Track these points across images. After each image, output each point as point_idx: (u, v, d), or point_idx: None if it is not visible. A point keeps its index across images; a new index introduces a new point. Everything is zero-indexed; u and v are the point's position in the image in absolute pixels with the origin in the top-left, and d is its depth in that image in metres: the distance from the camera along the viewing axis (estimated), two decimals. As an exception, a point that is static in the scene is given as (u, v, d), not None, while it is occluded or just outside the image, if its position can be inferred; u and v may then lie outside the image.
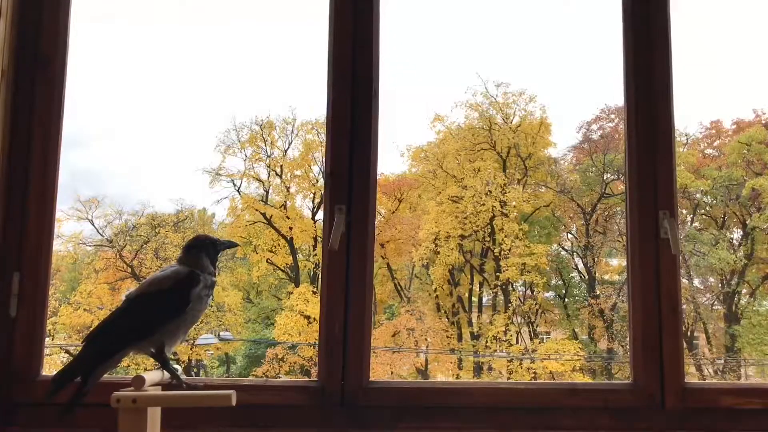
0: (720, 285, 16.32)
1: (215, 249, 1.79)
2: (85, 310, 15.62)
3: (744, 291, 16.15)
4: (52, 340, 15.50)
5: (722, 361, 15.54)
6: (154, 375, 1.58)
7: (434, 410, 1.98)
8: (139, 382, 1.52)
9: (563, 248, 18.10)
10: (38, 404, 1.94)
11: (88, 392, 1.59)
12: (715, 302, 16.38)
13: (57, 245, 16.44)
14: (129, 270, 16.41)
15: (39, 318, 2.04)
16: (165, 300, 1.64)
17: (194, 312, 1.67)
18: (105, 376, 1.68)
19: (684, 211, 16.54)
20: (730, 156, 16.36)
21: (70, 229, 17.04)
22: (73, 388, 1.59)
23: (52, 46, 2.13)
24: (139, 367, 13.71)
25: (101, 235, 16.89)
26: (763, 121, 16.75)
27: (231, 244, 1.88)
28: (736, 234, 16.67)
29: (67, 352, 14.61)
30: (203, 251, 1.76)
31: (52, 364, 13.27)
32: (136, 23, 19.05)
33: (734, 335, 15.37)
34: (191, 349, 15.05)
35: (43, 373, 2.03)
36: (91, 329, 1.63)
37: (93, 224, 16.71)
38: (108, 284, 16.40)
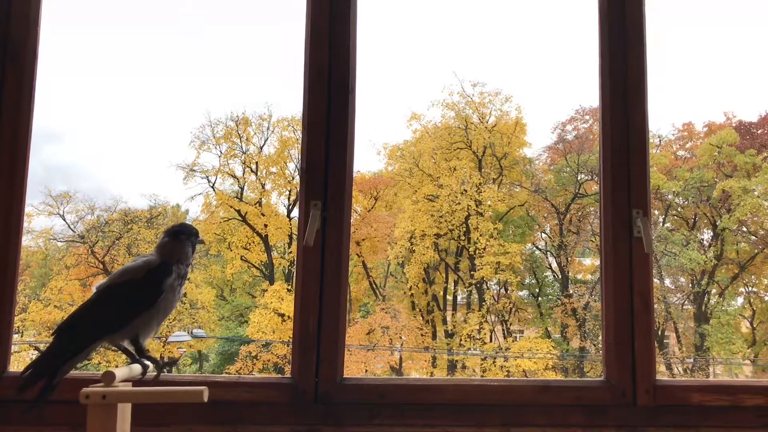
0: (690, 285, 16.58)
1: (194, 239, 1.76)
2: (55, 306, 15.41)
3: (713, 291, 16.42)
4: (21, 336, 15.27)
5: (692, 360, 15.78)
6: (124, 371, 1.55)
7: (408, 407, 1.98)
8: (108, 377, 1.49)
9: (537, 247, 18.25)
10: (4, 401, 1.90)
11: (56, 387, 1.55)
12: (686, 302, 16.63)
13: (27, 241, 16.19)
14: (101, 266, 16.21)
15: (6, 314, 1.99)
16: (137, 291, 1.61)
17: (167, 303, 1.64)
18: (73, 371, 1.65)
19: (656, 212, 16.78)
20: (702, 158, 16.62)
21: (41, 224, 16.79)
22: (40, 383, 1.55)
23: (22, 35, 2.09)
24: (110, 364, 13.56)
25: (73, 230, 16.68)
26: (734, 124, 17.04)
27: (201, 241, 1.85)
28: (707, 235, 16.94)
29: (36, 348, 14.39)
30: (186, 239, 1.73)
31: (20, 361, 13.07)
32: (111, 17, 18.82)
33: (703, 334, 15.62)
34: (164, 346, 14.91)
35: (10, 370, 1.99)
36: (61, 321, 1.59)
37: (64, 219, 16.50)
38: (79, 280, 16.18)
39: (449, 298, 17.56)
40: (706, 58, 19.61)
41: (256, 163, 17.79)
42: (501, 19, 19.62)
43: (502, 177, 17.46)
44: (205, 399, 1.45)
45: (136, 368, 1.60)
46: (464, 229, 16.56)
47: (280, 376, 2.13)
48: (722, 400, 2.01)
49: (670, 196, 16.86)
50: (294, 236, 17.11)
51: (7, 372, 1.97)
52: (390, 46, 20.53)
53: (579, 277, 17.64)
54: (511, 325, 16.88)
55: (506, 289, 17.03)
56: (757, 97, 18.88)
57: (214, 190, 17.73)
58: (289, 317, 15.21)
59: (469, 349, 15.81)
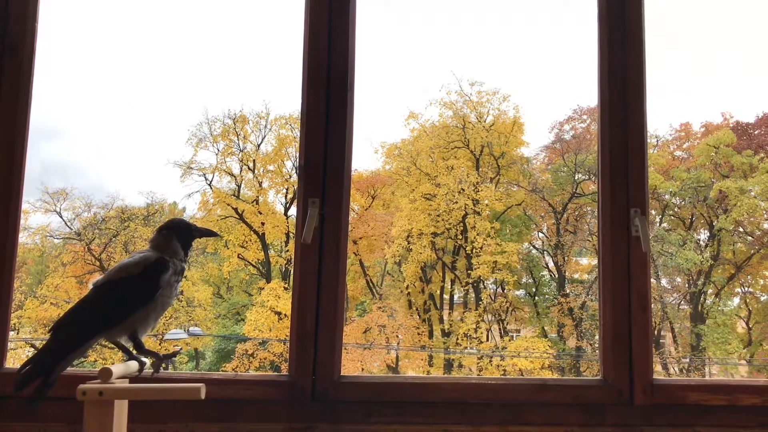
0: (687, 285, 16.59)
1: (189, 234, 1.76)
2: (51, 303, 15.37)
3: (710, 291, 16.43)
4: (17, 333, 15.23)
5: (687, 360, 15.81)
6: (121, 367, 1.55)
7: (405, 405, 1.98)
8: (105, 374, 1.48)
9: (534, 247, 18.26)
10: (1, 398, 1.89)
11: (53, 384, 1.55)
12: (682, 302, 16.65)
13: (23, 238, 16.15)
14: (97, 264, 16.18)
15: (3, 311, 1.99)
16: (134, 287, 1.61)
17: (164, 298, 1.64)
18: (70, 368, 1.64)
19: (653, 212, 16.78)
20: (699, 158, 16.63)
21: (38, 221, 16.75)
22: (37, 379, 1.54)
23: (20, 31, 2.08)
24: (106, 361, 13.54)
25: (69, 228, 16.63)
26: (731, 125, 17.06)
27: (209, 233, 1.85)
28: (703, 235, 16.96)
29: (32, 346, 14.37)
30: (176, 235, 1.73)
31: (16, 358, 13.05)
32: (108, 14, 18.78)
33: (699, 335, 15.64)
34: (160, 343, 14.89)
35: (6, 366, 1.99)
36: (58, 318, 1.59)
37: (61, 217, 16.45)
38: (75, 278, 16.15)
39: (446, 297, 17.57)
40: (704, 58, 19.65)
41: (254, 161, 17.77)
42: (500, 19, 19.63)
43: (500, 176, 17.47)
44: (203, 396, 1.45)
45: (133, 365, 1.60)
46: (461, 228, 16.55)
47: (277, 374, 2.13)
48: (719, 399, 2.01)
49: (667, 196, 16.87)
50: (291, 234, 17.10)
51: (4, 369, 1.97)
52: (388, 44, 20.52)
53: (576, 276, 17.65)
54: (507, 324, 16.88)
55: (503, 289, 17.03)
56: (755, 97, 18.93)
57: (211, 188, 17.72)
58: (285, 315, 15.20)
59: (466, 348, 15.81)
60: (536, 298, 17.45)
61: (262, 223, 17.41)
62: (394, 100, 22.77)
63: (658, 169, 16.47)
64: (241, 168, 17.85)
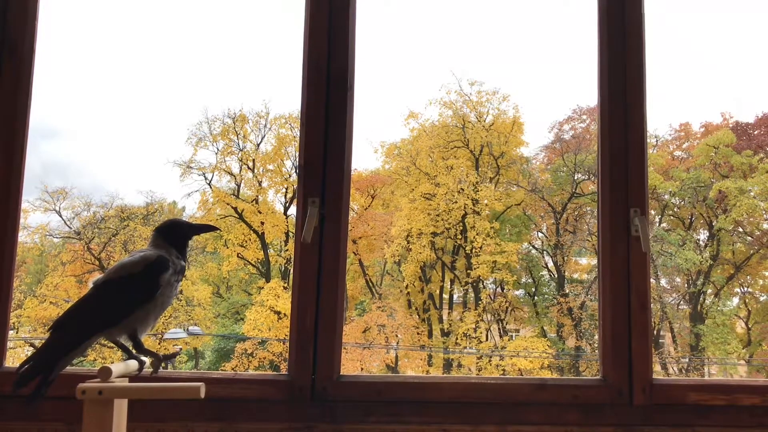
0: (686, 285, 16.60)
1: (188, 233, 1.75)
2: (51, 302, 15.37)
3: (709, 291, 16.45)
4: (17, 333, 15.23)
5: (687, 360, 15.82)
6: (120, 366, 1.54)
7: (404, 404, 1.98)
8: (105, 373, 1.48)
9: (534, 247, 18.26)
10: (0, 396, 1.89)
11: (52, 382, 1.54)
12: (681, 302, 16.66)
13: (22, 237, 16.15)
14: (97, 263, 16.18)
15: (2, 310, 1.99)
16: (134, 286, 1.60)
17: (164, 298, 1.63)
18: (70, 367, 1.64)
19: (653, 212, 16.79)
20: (698, 158, 16.64)
21: (37, 220, 16.76)
22: (36, 378, 1.54)
23: (20, 30, 2.08)
24: (105, 361, 13.54)
25: (69, 227, 16.64)
26: (731, 125, 17.07)
27: (207, 228, 1.85)
28: (703, 235, 16.97)
29: (31, 345, 14.37)
30: (174, 235, 1.73)
31: (15, 357, 13.05)
32: (108, 13, 18.77)
33: (699, 334, 15.65)
34: (159, 343, 14.89)
35: (6, 365, 1.98)
36: (58, 317, 1.58)
37: (60, 216, 16.45)
38: (75, 277, 16.15)
39: (445, 296, 17.57)
40: (703, 58, 19.65)
41: (253, 160, 17.78)
42: (499, 18, 19.63)
43: (499, 176, 17.47)
44: (202, 395, 1.44)
45: (133, 364, 1.60)
46: (461, 227, 16.56)
47: (276, 373, 2.13)
48: (719, 399, 2.01)
49: (666, 197, 16.88)
50: (290, 234, 17.11)
51: (3, 368, 1.97)
52: (388, 44, 20.53)
53: (575, 276, 17.66)
54: (507, 324, 16.89)
55: (502, 288, 17.04)
56: (754, 98, 18.95)
57: (210, 188, 17.72)
58: (285, 315, 15.20)
59: (465, 347, 15.82)
60: (535, 297, 17.46)
61: (262, 223, 17.42)
62: (394, 100, 22.78)
63: (658, 169, 16.48)
64: (241, 167, 17.87)
